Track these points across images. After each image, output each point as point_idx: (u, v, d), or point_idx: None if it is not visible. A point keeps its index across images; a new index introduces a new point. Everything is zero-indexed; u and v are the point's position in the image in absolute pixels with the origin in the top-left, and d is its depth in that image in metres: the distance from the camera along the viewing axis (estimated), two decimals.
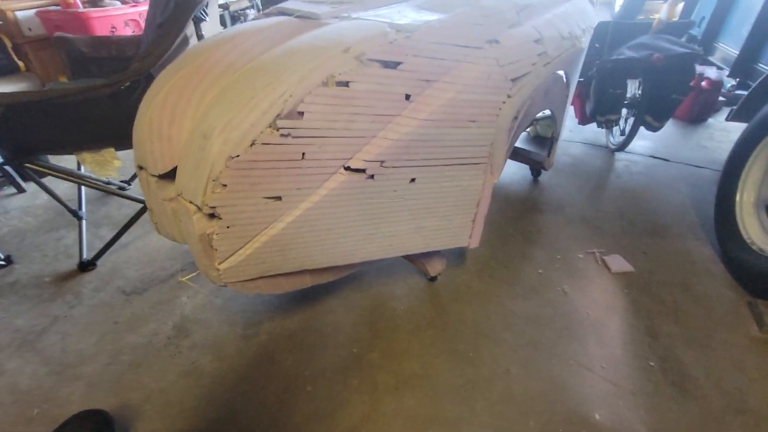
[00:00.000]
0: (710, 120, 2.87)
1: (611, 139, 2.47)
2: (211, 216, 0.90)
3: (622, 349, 1.28)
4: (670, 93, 2.01)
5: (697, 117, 2.84)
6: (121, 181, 2.04)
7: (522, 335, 1.33)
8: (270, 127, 0.85)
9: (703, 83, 2.70)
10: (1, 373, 1.24)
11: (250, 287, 1.06)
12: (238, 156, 0.84)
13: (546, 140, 2.55)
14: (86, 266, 1.63)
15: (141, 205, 1.61)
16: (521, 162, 2.16)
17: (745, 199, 1.55)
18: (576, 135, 2.70)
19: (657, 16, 2.23)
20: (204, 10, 1.34)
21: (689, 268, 1.59)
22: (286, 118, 0.85)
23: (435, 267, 1.48)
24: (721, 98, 2.75)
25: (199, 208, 0.89)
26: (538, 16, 1.25)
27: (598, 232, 1.80)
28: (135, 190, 2.03)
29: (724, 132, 2.71)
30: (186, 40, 1.34)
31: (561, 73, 1.37)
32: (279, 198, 0.93)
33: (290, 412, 1.12)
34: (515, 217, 1.90)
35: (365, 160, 0.97)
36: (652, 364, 1.23)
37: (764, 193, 1.51)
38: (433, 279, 1.53)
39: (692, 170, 2.28)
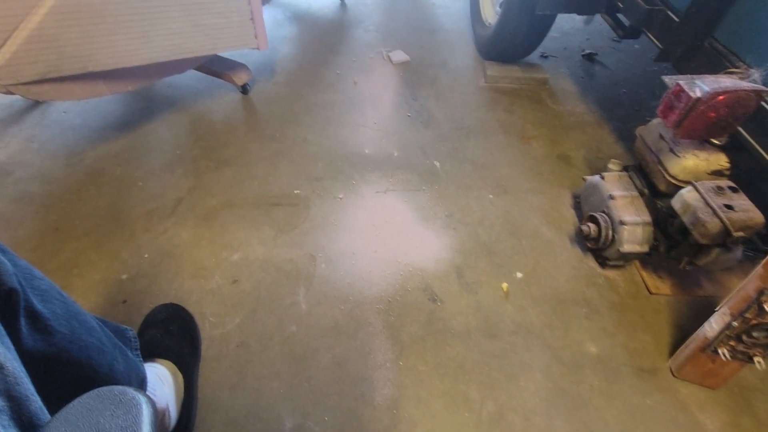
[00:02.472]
0: None
1: None
2: None
3: (391, 110, 1.70)
4: None
5: None
6: None
7: (318, 116, 1.66)
8: None
9: None
10: None
11: (38, 92, 1.16)
12: None
13: None
14: None
15: None
16: None
17: None
18: None
19: None
20: None
21: (451, 51, 2.03)
22: None
23: (241, 77, 1.68)
24: None
25: None
26: None
27: (389, 37, 2.12)
28: None
29: None
30: None
31: None
32: None
33: (125, 201, 1.35)
34: (322, 35, 2.12)
35: None
36: (410, 115, 1.68)
37: None
38: (244, 91, 1.74)
39: None
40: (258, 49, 1.55)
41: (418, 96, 1.77)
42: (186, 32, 1.34)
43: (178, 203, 1.35)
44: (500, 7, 1.73)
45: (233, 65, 1.68)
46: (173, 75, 1.49)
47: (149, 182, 1.41)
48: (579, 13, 1.47)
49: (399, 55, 1.96)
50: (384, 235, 1.27)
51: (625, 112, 1.74)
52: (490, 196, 1.39)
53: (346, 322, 1.07)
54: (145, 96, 1.72)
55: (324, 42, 2.07)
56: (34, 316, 0.49)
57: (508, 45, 1.72)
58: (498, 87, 1.83)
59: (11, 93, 1.12)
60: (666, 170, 1.01)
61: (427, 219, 1.32)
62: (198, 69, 1.66)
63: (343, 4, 2.36)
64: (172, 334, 0.98)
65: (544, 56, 2.01)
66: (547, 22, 1.65)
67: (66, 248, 1.23)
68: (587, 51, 2.05)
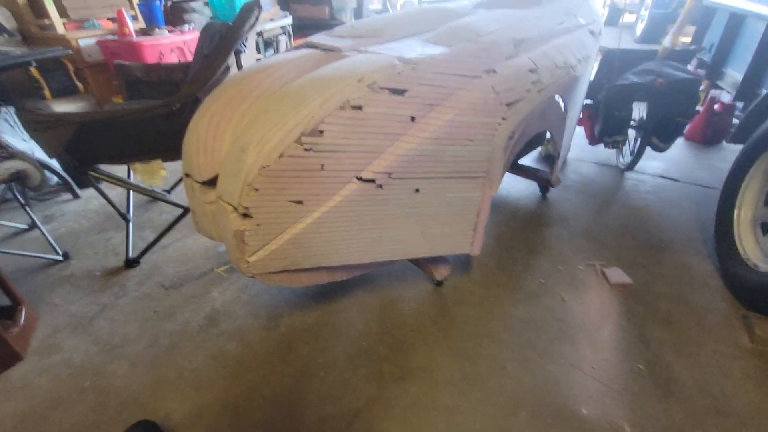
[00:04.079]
0: (724, 143, 2.91)
1: (620, 159, 2.55)
2: (244, 215, 1.07)
3: (613, 352, 1.37)
4: (674, 116, 2.10)
5: (711, 139, 2.88)
6: (163, 190, 2.27)
7: (519, 336, 1.43)
8: (296, 142, 1.02)
9: (716, 106, 2.76)
10: (59, 350, 1.44)
11: (274, 279, 1.22)
12: (268, 166, 1.02)
13: None
14: (131, 263, 1.84)
15: (181, 210, 1.82)
16: (530, 179, 2.28)
17: (742, 216, 1.62)
18: (587, 155, 2.79)
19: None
20: (243, 43, 1.56)
21: (687, 281, 1.66)
22: (309, 135, 1.03)
23: (441, 272, 1.61)
24: (735, 120, 2.79)
25: (235, 209, 1.07)
26: (535, 49, 1.40)
27: (600, 245, 1.89)
28: (173, 197, 2.26)
29: (737, 153, 2.74)
30: (228, 69, 1.56)
31: (557, 97, 1.51)
32: (300, 202, 1.10)
33: (304, 393, 1.26)
34: (521, 230, 2.01)
35: (375, 172, 1.13)
36: (641, 367, 1.31)
37: (760, 211, 1.58)
38: (439, 284, 1.65)
39: (700, 190, 2.33)
40: (471, 254, 1.48)
41: (649, 339, 1.41)
42: (412, 238, 1.33)
43: (354, 417, 1.19)
44: None
45: (436, 259, 1.63)
46: (384, 267, 1.49)
47: (330, 375, 1.32)
48: None
49: (618, 275, 1.68)
50: None
51: None
52: None
53: None
54: None
55: (524, 239, 1.95)
56: None
57: None
58: None
59: (253, 277, 1.20)
60: None
61: None
62: None
63: (544, 197, 2.28)
64: None
65: None
66: None
67: None
68: None
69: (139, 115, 1.44)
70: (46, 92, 2.90)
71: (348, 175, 1.12)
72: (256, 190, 1.03)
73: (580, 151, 2.84)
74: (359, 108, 1.06)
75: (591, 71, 2.11)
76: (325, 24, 4.47)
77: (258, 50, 4.07)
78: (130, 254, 1.85)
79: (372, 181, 1.14)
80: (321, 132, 1.04)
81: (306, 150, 1.03)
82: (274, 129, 1.02)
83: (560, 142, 1.69)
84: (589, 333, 1.44)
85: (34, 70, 2.77)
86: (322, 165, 1.07)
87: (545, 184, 2.23)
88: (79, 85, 3.10)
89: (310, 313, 1.56)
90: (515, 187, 2.39)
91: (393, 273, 1.74)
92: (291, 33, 4.43)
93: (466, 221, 1.38)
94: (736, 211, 1.62)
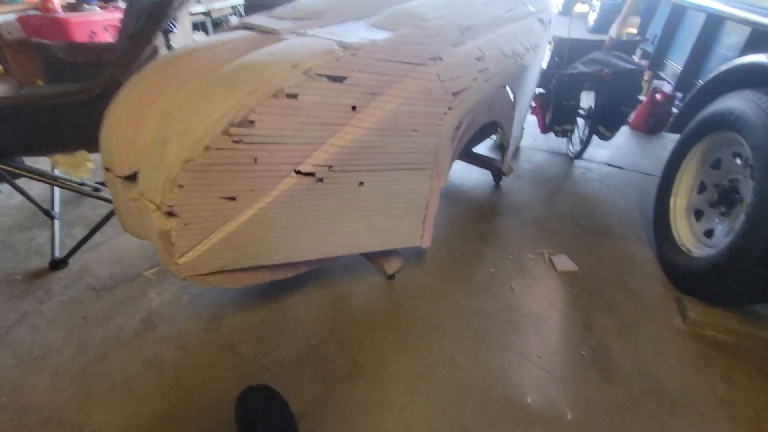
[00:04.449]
0: (665, 131, 3.05)
1: (570, 147, 2.61)
2: (170, 214, 0.98)
3: (559, 340, 1.40)
4: (619, 105, 2.16)
5: (653, 128, 3.01)
6: (96, 183, 2.09)
7: (469, 328, 1.43)
8: (223, 133, 0.94)
9: (658, 96, 2.88)
10: None
11: (209, 281, 1.14)
12: (193, 159, 0.93)
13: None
14: (58, 264, 1.67)
15: (113, 206, 1.67)
16: (484, 167, 2.28)
17: (678, 204, 1.69)
18: (540, 144, 2.84)
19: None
20: (173, 23, 1.43)
21: (628, 267, 1.73)
22: (238, 126, 0.95)
23: (392, 265, 1.58)
24: (675, 110, 2.92)
25: (159, 207, 0.97)
26: (482, 36, 1.37)
27: (549, 233, 1.93)
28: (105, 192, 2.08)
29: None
30: (156, 51, 1.42)
31: (506, 87, 1.49)
32: (233, 198, 1.02)
33: None
34: (474, 219, 2.02)
35: (314, 165, 1.07)
36: (584, 353, 1.35)
37: (694, 199, 1.65)
38: (391, 277, 1.63)
39: (643, 177, 2.44)
40: (420, 246, 1.46)
41: (592, 325, 1.46)
42: (359, 233, 1.29)
43: (300, 419, 1.14)
44: (727, 236, 1.40)
45: (387, 252, 1.59)
46: (334, 261, 1.44)
47: (276, 377, 1.26)
48: None
49: (564, 262, 1.72)
50: None
51: None
52: None
53: None
54: None
55: (476, 229, 1.95)
56: None
57: (731, 287, 1.34)
58: (704, 336, 1.42)
59: (185, 279, 1.11)
60: None
61: None
62: None
63: (497, 186, 2.30)
64: None
65: None
66: None
67: None
68: None
69: (53, 102, 1.29)
70: None
71: (285, 168, 1.05)
72: (181, 186, 0.94)
73: (533, 139, 2.88)
74: (294, 96, 0.99)
75: (542, 60, 2.12)
76: (279, 4, 4.25)
77: (206, 31, 3.83)
78: (57, 254, 1.69)
79: (311, 174, 1.08)
80: (252, 122, 0.96)
81: (235, 142, 0.95)
82: (197, 119, 0.93)
83: (509, 132, 1.69)
84: (536, 322, 1.46)
85: None
86: (256, 158, 0.99)
87: (498, 173, 2.25)
88: None
89: (255, 311, 1.49)
90: (469, 177, 2.40)
91: (344, 267, 1.69)
92: (242, 13, 4.19)
93: (415, 214, 1.35)
94: (672, 199, 1.70)
